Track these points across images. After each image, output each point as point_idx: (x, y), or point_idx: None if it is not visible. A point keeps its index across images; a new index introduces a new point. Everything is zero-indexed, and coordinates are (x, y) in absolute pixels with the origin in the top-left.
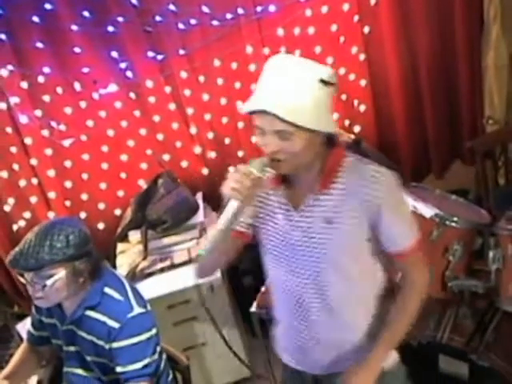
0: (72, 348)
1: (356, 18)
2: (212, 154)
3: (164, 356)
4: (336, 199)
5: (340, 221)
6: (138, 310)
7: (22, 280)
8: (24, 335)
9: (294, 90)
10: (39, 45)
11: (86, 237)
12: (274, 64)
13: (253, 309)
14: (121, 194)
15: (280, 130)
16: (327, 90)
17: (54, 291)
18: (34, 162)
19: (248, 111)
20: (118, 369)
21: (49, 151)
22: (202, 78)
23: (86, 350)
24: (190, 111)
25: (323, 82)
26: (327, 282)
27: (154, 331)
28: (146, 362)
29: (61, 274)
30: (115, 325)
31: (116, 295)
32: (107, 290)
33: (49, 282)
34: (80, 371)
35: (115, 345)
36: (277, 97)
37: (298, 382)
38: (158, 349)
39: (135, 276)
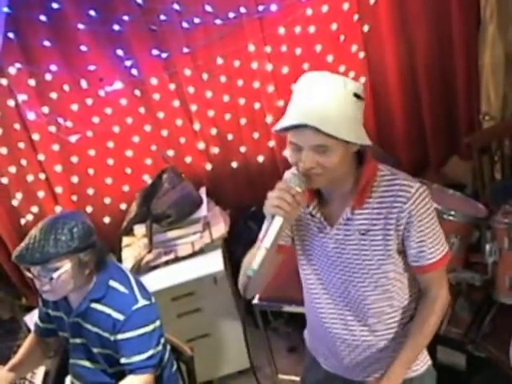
0: (78, 340)
1: (356, 17)
2: (215, 150)
3: (168, 347)
4: (370, 213)
5: (374, 233)
6: (142, 302)
7: (28, 275)
8: (31, 327)
9: (331, 104)
10: (46, 43)
11: (90, 229)
12: (305, 81)
13: (255, 301)
14: (126, 188)
15: (318, 144)
16: (360, 103)
17: (61, 283)
18: (41, 157)
19: (284, 128)
20: (123, 360)
21: (56, 147)
22: (205, 76)
23: (92, 341)
24: (193, 108)
25: (357, 96)
26: (362, 291)
27: (157, 323)
28: (150, 353)
29: (67, 266)
30: (120, 317)
31: (121, 288)
32: (112, 283)
33: (55, 275)
34: (86, 363)
35: (120, 336)
36: (315, 111)
37: (326, 381)
38: (162, 341)
39: (140, 269)
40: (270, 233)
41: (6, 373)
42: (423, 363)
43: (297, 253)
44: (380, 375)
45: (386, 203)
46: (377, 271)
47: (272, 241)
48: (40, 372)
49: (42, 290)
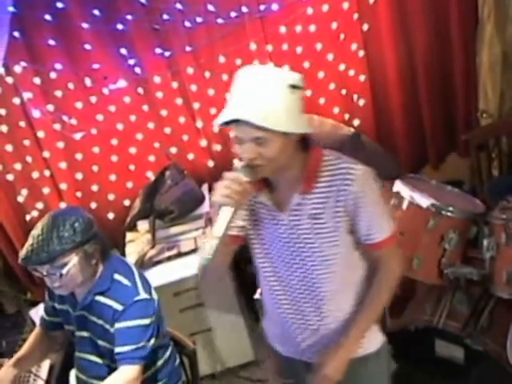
0: (84, 333)
1: (355, 16)
2: (217, 147)
3: (171, 342)
4: (319, 197)
5: (325, 216)
6: (143, 295)
7: (37, 274)
8: (37, 321)
9: (264, 97)
10: (51, 42)
11: (90, 221)
12: (243, 76)
13: (257, 296)
14: (130, 185)
15: (256, 136)
16: (296, 94)
17: (71, 277)
18: (46, 154)
19: (223, 123)
20: (116, 350)
21: (60, 144)
22: (207, 74)
23: (98, 334)
24: (196, 106)
25: (292, 86)
26: (316, 274)
27: (154, 318)
28: (139, 345)
29: (74, 260)
30: (119, 307)
31: (124, 281)
32: (117, 276)
33: (64, 271)
34: (91, 357)
35: (116, 325)
36: (249, 105)
37: (290, 370)
38: (155, 337)
39: (144, 264)
40: (220, 222)
41: (9, 370)
42: (378, 340)
43: (250, 242)
44: (333, 350)
45: (333, 187)
46: (328, 253)
47: (223, 230)
48: (45, 365)
49: (54, 287)
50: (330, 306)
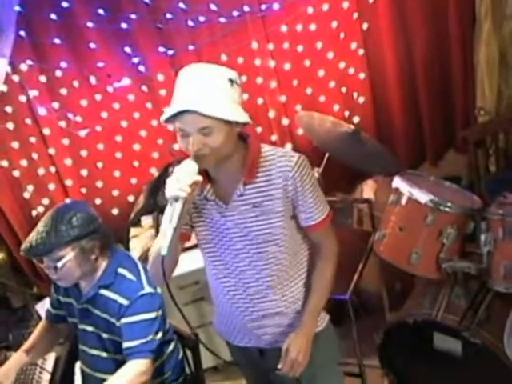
0: (87, 326)
1: (355, 15)
2: None
3: (175, 336)
4: (261, 186)
5: (267, 204)
6: (148, 289)
7: (41, 266)
8: (42, 315)
9: (208, 89)
10: (57, 41)
11: (90, 217)
12: (186, 72)
13: None
14: (134, 181)
15: (202, 126)
16: (235, 87)
17: (67, 271)
18: (52, 151)
19: (169, 117)
20: (124, 344)
21: (66, 141)
22: None
23: (101, 327)
24: None
25: (231, 81)
26: (264, 262)
27: (160, 312)
28: (148, 338)
29: (70, 254)
30: (125, 302)
31: (129, 275)
32: (121, 270)
33: (59, 264)
34: (95, 351)
35: (123, 320)
36: (195, 97)
37: (245, 357)
38: (161, 330)
39: (147, 259)
40: (175, 214)
41: (15, 362)
42: (324, 319)
43: (197, 238)
44: (294, 334)
45: (273, 175)
46: (273, 238)
47: (177, 221)
48: (51, 358)
49: (53, 279)
50: (278, 291)
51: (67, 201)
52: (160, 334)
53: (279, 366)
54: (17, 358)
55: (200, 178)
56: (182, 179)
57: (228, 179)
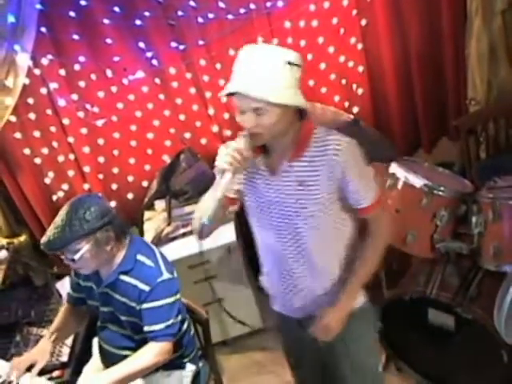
0: (107, 309)
1: (354, 12)
2: (228, 132)
3: (187, 315)
4: (307, 165)
5: (311, 183)
6: (166, 275)
7: (61, 257)
8: (62, 293)
9: (263, 71)
10: (75, 37)
11: (103, 210)
12: (246, 52)
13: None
14: (147, 167)
15: (255, 107)
16: (294, 70)
17: (85, 262)
18: (71, 140)
19: (227, 94)
20: (146, 328)
21: (84, 130)
22: (218, 66)
23: (120, 310)
24: (208, 95)
25: (289, 63)
26: (303, 235)
27: (178, 296)
28: (169, 322)
29: (85, 247)
30: (146, 288)
31: (147, 262)
32: (139, 257)
33: (76, 257)
34: (114, 328)
35: (145, 306)
36: (249, 79)
37: (285, 326)
38: (181, 312)
39: (160, 240)
40: (221, 185)
41: (47, 342)
42: (361, 298)
43: (246, 204)
44: (330, 307)
45: (320, 156)
46: (314, 218)
47: (222, 192)
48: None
49: (73, 268)
50: (318, 265)
51: (81, 195)
52: (180, 317)
53: (311, 329)
54: (47, 340)
55: (249, 154)
56: (233, 154)
57: (279, 153)
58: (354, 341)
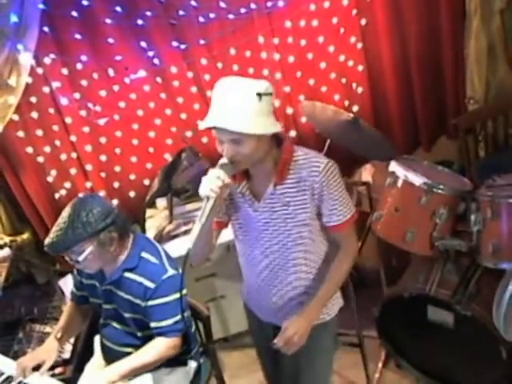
0: (110, 306)
1: (354, 11)
2: None
3: (189, 311)
4: (290, 187)
5: (295, 203)
6: (171, 272)
7: (65, 258)
8: (65, 290)
9: (235, 105)
10: (77, 36)
11: (105, 211)
12: (220, 85)
13: None
14: (149, 166)
15: (232, 138)
16: (265, 100)
17: (89, 262)
18: (73, 138)
19: (206, 127)
20: (153, 324)
21: (86, 129)
22: (219, 65)
23: (124, 307)
24: (209, 94)
25: (259, 94)
26: (289, 252)
27: (184, 291)
28: (177, 318)
29: (89, 249)
30: (151, 285)
31: (152, 259)
32: (144, 254)
33: (80, 258)
34: (117, 325)
35: (150, 303)
36: (224, 114)
37: (260, 329)
38: (187, 308)
39: (162, 238)
40: (205, 211)
41: (54, 341)
42: (334, 311)
43: (233, 227)
44: (297, 316)
45: (302, 178)
46: (297, 234)
47: (205, 217)
48: None
49: (78, 268)
50: (295, 278)
51: (83, 196)
52: (186, 313)
53: (275, 341)
54: (53, 339)
55: (230, 181)
56: (214, 181)
57: (262, 178)
58: (320, 354)
